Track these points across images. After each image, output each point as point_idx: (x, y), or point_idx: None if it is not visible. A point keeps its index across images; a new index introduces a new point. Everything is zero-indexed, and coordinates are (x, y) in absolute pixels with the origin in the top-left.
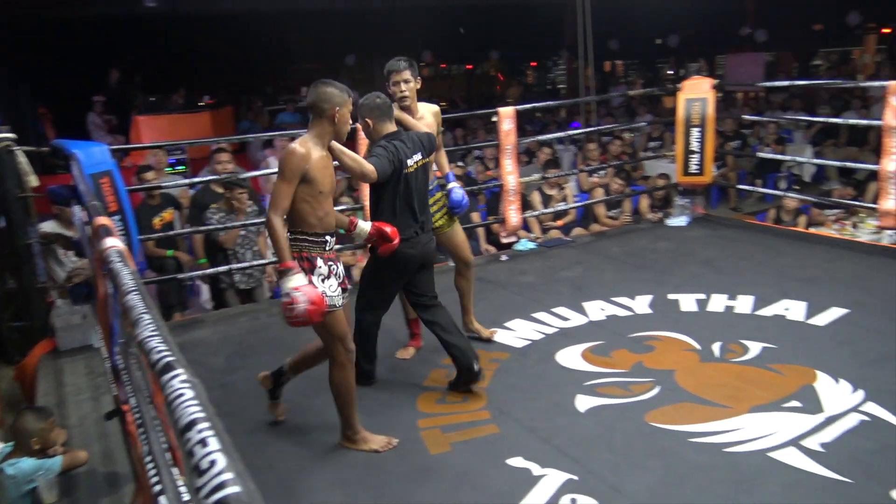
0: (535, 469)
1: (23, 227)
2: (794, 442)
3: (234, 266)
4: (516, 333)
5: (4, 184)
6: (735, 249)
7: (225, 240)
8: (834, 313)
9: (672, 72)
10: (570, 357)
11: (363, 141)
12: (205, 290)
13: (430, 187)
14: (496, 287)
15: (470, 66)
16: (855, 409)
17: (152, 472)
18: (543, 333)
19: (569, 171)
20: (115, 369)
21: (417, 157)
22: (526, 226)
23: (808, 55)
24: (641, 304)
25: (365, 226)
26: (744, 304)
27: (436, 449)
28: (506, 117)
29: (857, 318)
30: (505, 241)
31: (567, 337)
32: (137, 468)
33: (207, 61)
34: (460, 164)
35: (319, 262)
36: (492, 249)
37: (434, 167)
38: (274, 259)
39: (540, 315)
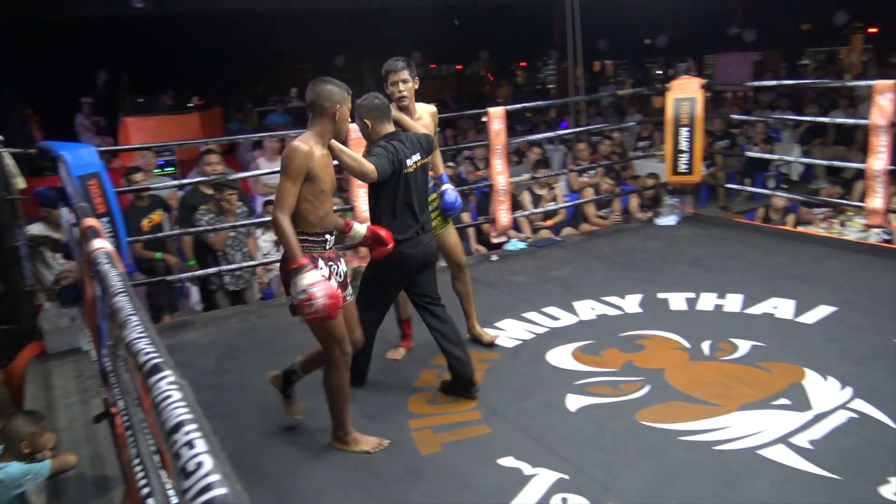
0: (526, 468)
1: (10, 229)
2: (783, 439)
3: (224, 268)
4: (507, 333)
5: None
6: (724, 248)
7: (214, 241)
8: (822, 311)
9: (661, 71)
10: (561, 356)
11: (353, 142)
12: (194, 292)
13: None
14: (487, 287)
15: (460, 67)
16: (843, 407)
17: (140, 474)
18: (534, 333)
19: (559, 170)
20: (104, 372)
21: (416, 157)
22: (516, 226)
23: (795, 55)
24: (631, 304)
25: (360, 228)
26: (733, 302)
27: (427, 449)
28: (495, 117)
29: (845, 315)
30: (495, 241)
31: (557, 336)
32: (126, 471)
33: (196, 62)
34: (450, 164)
35: (321, 262)
36: (482, 249)
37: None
38: (264, 260)
39: (530, 315)
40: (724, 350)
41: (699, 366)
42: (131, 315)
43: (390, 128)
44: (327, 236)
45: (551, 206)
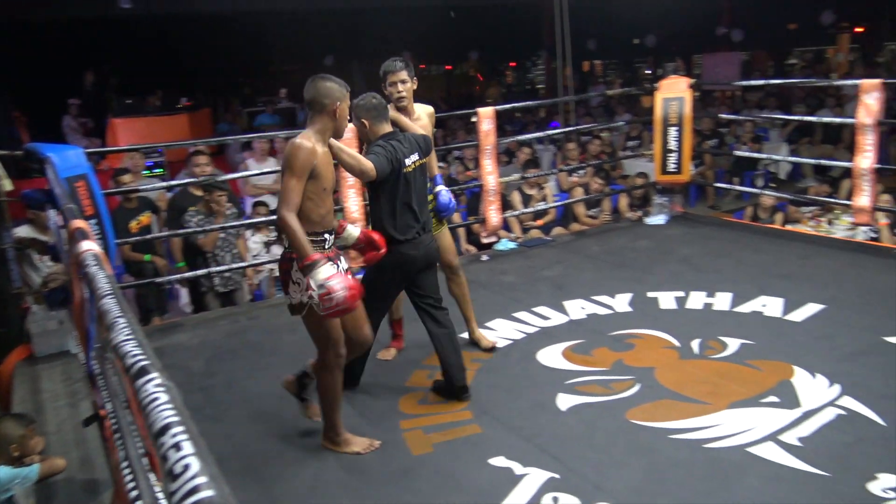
0: (518, 468)
1: None
2: (773, 437)
3: (214, 269)
4: (497, 333)
5: None
6: (713, 247)
7: (204, 243)
8: (810, 309)
9: (650, 71)
10: (551, 356)
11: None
12: (184, 294)
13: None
14: (477, 287)
15: (449, 67)
16: (832, 404)
17: (129, 477)
18: (524, 333)
19: (548, 170)
20: (92, 375)
21: (415, 157)
22: (506, 226)
23: (783, 54)
24: (621, 303)
25: (353, 230)
26: (722, 301)
27: (418, 450)
28: (485, 118)
29: (833, 313)
30: (485, 241)
31: (548, 336)
32: (115, 474)
33: (184, 63)
34: (441, 164)
35: None
36: (472, 249)
37: None
38: (254, 262)
39: (521, 314)
40: (713, 348)
41: (689, 364)
42: (119, 317)
43: (388, 128)
44: (327, 235)
45: (541, 206)
